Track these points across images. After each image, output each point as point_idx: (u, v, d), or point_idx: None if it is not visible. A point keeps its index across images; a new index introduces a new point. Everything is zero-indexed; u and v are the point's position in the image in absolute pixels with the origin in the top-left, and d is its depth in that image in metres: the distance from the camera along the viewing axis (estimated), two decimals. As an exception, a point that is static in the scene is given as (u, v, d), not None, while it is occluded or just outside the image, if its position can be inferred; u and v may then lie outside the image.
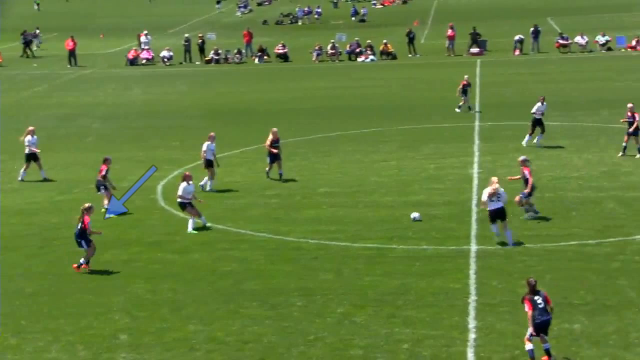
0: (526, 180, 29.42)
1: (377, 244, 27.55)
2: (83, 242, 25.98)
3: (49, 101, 58.09)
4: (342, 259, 26.40)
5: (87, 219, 25.98)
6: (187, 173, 30.50)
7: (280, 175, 35.50)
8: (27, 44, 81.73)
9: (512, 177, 30.51)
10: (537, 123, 39.76)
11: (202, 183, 34.44)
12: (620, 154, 37.20)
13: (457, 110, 48.30)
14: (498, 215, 26.97)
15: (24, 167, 37.16)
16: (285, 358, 20.17)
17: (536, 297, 19.27)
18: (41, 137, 45.83)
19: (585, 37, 73.25)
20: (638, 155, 36.80)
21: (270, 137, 35.24)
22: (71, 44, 75.15)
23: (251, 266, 26.12)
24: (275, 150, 35.16)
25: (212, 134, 35.12)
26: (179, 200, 29.92)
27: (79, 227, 26.04)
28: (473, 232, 28.29)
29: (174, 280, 25.17)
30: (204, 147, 34.49)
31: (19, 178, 37.03)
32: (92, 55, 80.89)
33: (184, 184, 29.88)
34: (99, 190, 32.32)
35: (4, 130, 47.77)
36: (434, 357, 19.88)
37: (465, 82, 48.50)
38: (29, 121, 50.67)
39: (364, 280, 24.63)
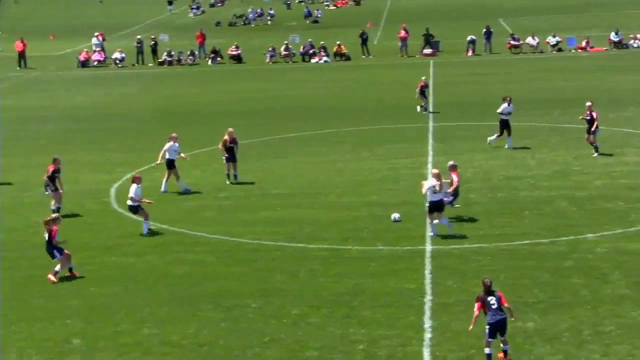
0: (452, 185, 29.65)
1: (333, 245, 27.57)
2: (55, 252, 25.67)
3: None
4: (297, 260, 26.40)
5: (54, 228, 25.72)
6: (137, 175, 30.31)
7: (235, 176, 35.33)
8: None
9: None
10: (504, 125, 39.39)
11: (163, 189, 34.31)
12: (594, 154, 37.40)
13: (418, 110, 48.41)
14: (437, 207, 27.68)
15: None
16: (240, 360, 20.17)
17: (489, 298, 19.32)
18: (-8, 141, 45.44)
19: (536, 38, 73.86)
20: (595, 154, 37.15)
21: (226, 137, 35.05)
22: (21, 45, 74.45)
23: (206, 269, 26.03)
24: (227, 155, 34.95)
25: (173, 134, 34.94)
26: (129, 203, 29.68)
27: (46, 237, 25.73)
28: (428, 232, 28.38)
29: (129, 283, 25.03)
30: (166, 148, 34.33)
31: None
32: (42, 57, 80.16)
33: (134, 185, 29.64)
34: (46, 190, 32.05)
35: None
36: (390, 357, 19.93)
37: (422, 84, 48.71)
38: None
39: (320, 281, 24.65)
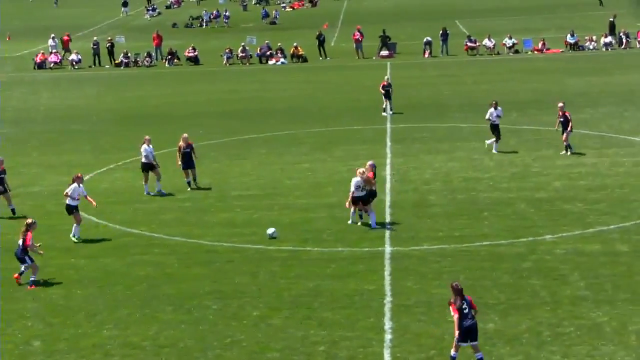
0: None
1: (292, 246, 27.58)
2: (27, 258, 25.23)
3: (-46, 105, 56.92)
4: (257, 262, 26.38)
5: (29, 235, 25.31)
6: (79, 175, 29.90)
7: (194, 181, 34.85)
8: None
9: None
10: (494, 129, 39.02)
11: (147, 191, 34.09)
12: (564, 152, 37.74)
13: (383, 114, 48.43)
14: (362, 201, 28.98)
15: None
16: (201, 362, 20.11)
17: (461, 302, 19.05)
18: (-53, 142, 44.99)
19: (492, 39, 74.38)
20: (566, 152, 37.46)
21: (181, 143, 34.57)
22: (-24, 47, 73.82)
23: (165, 270, 25.94)
24: (179, 162, 34.43)
25: (147, 137, 34.73)
26: (67, 201, 29.17)
27: (20, 243, 25.32)
28: (387, 233, 28.50)
29: (88, 285, 24.89)
30: (142, 151, 34.09)
31: None
32: (-3, 58, 79.51)
33: (74, 185, 29.19)
34: None
35: None
36: (351, 359, 19.97)
37: (385, 83, 48.93)
38: None
39: (280, 282, 24.65)
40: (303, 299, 23.43)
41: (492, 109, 39.24)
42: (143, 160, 34.17)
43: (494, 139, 39.11)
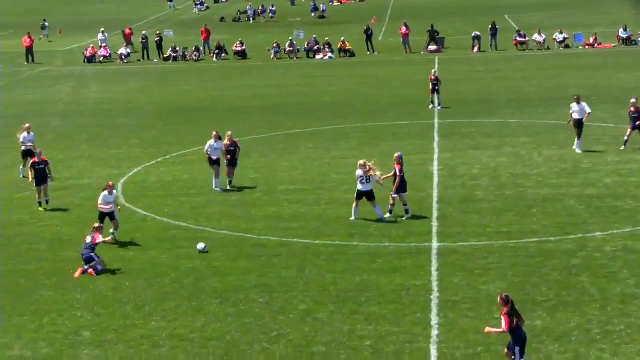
0: (396, 177, 29.64)
1: (339, 241, 27.56)
2: (94, 256, 25.71)
3: (6, 99, 57.49)
4: (303, 256, 26.39)
5: (97, 236, 25.96)
6: (109, 183, 29.17)
7: (230, 183, 34.07)
8: None
9: (386, 176, 30.06)
10: (578, 125, 37.81)
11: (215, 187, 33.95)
12: (622, 147, 37.47)
13: (430, 107, 48.34)
14: (367, 196, 29.25)
15: (22, 164, 36.38)
16: (248, 355, 20.13)
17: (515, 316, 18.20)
18: (-2, 135, 45.52)
19: (543, 34, 73.76)
20: (625, 147, 37.23)
21: (226, 141, 33.96)
22: (28, 40, 74.50)
23: (212, 264, 26.03)
24: (228, 156, 33.81)
25: (215, 132, 34.26)
26: (99, 209, 28.81)
27: (88, 242, 25.87)
28: (434, 229, 28.40)
29: (136, 277, 25.06)
30: (208, 147, 33.72)
31: (21, 175, 36.15)
32: (49, 53, 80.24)
33: (103, 193, 28.69)
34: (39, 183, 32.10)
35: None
36: (397, 354, 19.92)
37: (432, 77, 48.82)
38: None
39: (326, 277, 24.64)
40: (349, 293, 23.41)
41: (574, 104, 38.26)
42: (213, 157, 33.64)
43: (577, 138, 37.91)
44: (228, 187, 33.82)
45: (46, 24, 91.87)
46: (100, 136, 44.99)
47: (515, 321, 18.08)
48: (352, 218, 29.51)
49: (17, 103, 55.66)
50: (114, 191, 29.14)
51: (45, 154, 34.37)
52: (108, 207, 28.59)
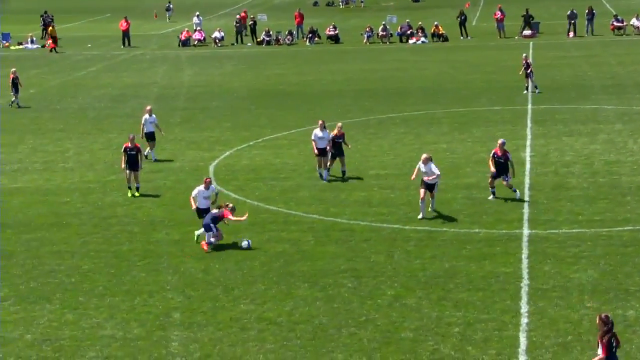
0: (509, 164, 29.44)
1: (428, 227, 27.48)
2: (213, 226, 26.13)
3: (103, 81, 58.52)
4: (392, 242, 26.37)
5: (227, 213, 26.18)
6: (206, 179, 28.03)
7: (344, 173, 33.39)
8: (46, 25, 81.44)
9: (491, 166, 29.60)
10: None
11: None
12: None
13: (524, 92, 47.91)
14: (428, 187, 28.41)
15: (148, 147, 36.73)
16: (335, 339, 20.21)
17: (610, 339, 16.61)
18: (94, 117, 46.43)
19: (641, 19, 72.33)
20: None
21: (335, 131, 33.14)
22: (125, 24, 75.65)
23: (301, 247, 26.17)
24: (332, 150, 32.87)
25: (321, 121, 33.49)
26: (192, 206, 27.97)
27: (215, 213, 26.26)
28: (525, 215, 28.12)
29: (226, 260, 25.32)
30: (314, 136, 33.03)
31: (152, 159, 36.53)
32: (145, 36, 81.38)
33: (200, 188, 27.66)
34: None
35: (62, 109, 48.45)
36: (486, 341, 19.80)
37: (523, 62, 48.36)
38: (82, 100, 51.29)
39: (415, 262, 24.59)
40: (438, 279, 23.34)
41: None
42: (319, 146, 32.85)
43: None
44: (323, 179, 33.14)
45: (171, 5, 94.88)
46: (193, 119, 45.49)
47: (614, 346, 16.44)
48: (420, 216, 28.43)
49: (113, 85, 56.60)
50: (212, 186, 28.25)
51: (140, 136, 34.99)
52: (205, 203, 27.51)
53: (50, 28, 76.24)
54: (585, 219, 27.64)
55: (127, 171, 31.95)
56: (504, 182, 29.52)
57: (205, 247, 26.11)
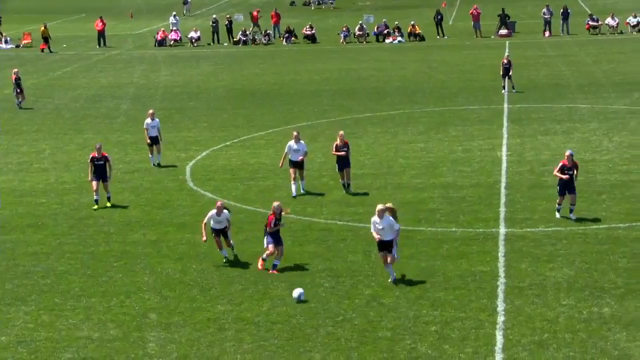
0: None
1: (405, 226, 27.42)
2: (266, 238, 24.32)
3: (79, 82, 58.31)
4: (370, 241, 26.19)
5: (270, 217, 24.40)
6: (218, 203, 25.52)
7: (348, 185, 31.67)
8: None
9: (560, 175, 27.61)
10: None
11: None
12: None
13: (502, 92, 48.06)
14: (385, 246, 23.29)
15: (149, 152, 36.16)
16: (313, 339, 20.20)
17: None
18: (69, 118, 46.22)
19: (616, 18, 72.65)
20: None
21: (337, 142, 31.33)
22: (100, 24, 75.38)
23: (279, 247, 26.11)
24: (341, 153, 31.10)
25: (295, 132, 31.96)
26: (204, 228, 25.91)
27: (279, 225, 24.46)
28: (502, 214, 28.21)
29: (203, 260, 25.27)
30: (287, 149, 31.37)
31: (152, 164, 35.92)
32: (120, 36, 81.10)
33: (212, 213, 25.08)
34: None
35: (38, 109, 48.21)
36: (463, 340, 19.84)
37: (504, 61, 48.51)
38: (58, 101, 51.06)
39: (392, 262, 24.58)
40: (415, 279, 23.36)
41: None
42: (292, 159, 31.07)
43: None
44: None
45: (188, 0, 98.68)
46: (170, 119, 45.36)
47: None
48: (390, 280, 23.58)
49: (89, 85, 56.39)
50: (225, 211, 25.25)
51: (116, 136, 34.87)
52: (219, 226, 25.21)
53: (43, 28, 75.59)
54: (561, 217, 27.73)
55: (94, 182, 30.44)
56: (570, 212, 27.55)
57: (259, 265, 24.59)
